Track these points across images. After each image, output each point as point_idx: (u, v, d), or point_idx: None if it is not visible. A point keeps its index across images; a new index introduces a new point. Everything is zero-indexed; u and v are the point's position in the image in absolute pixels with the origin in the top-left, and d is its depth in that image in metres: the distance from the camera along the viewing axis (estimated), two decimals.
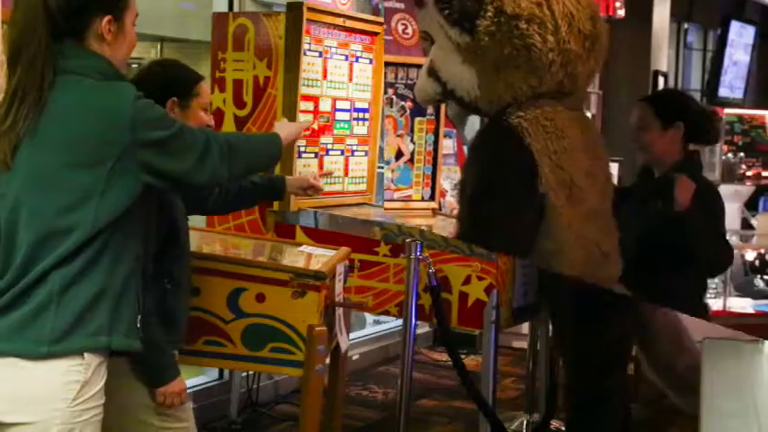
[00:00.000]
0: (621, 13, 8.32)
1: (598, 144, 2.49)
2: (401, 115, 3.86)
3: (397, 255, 3.55)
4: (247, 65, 3.82)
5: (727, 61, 10.94)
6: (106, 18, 1.85)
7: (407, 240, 3.34)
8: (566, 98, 2.35)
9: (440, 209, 4.06)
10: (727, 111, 8.92)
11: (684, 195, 2.79)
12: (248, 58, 3.82)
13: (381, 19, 4.26)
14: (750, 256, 5.91)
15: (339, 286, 2.97)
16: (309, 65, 3.91)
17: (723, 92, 11.04)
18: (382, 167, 4.06)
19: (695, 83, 12.26)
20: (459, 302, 3.47)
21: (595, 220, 2.37)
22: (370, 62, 4.20)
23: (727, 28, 10.78)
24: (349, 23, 4.05)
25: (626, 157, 5.13)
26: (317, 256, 3.00)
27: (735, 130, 8.80)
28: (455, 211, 3.81)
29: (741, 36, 11.21)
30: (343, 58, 4.10)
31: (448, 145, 4.40)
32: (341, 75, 4.09)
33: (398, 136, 3.85)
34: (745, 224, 6.32)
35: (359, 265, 3.44)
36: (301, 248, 3.14)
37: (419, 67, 3.21)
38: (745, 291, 5.60)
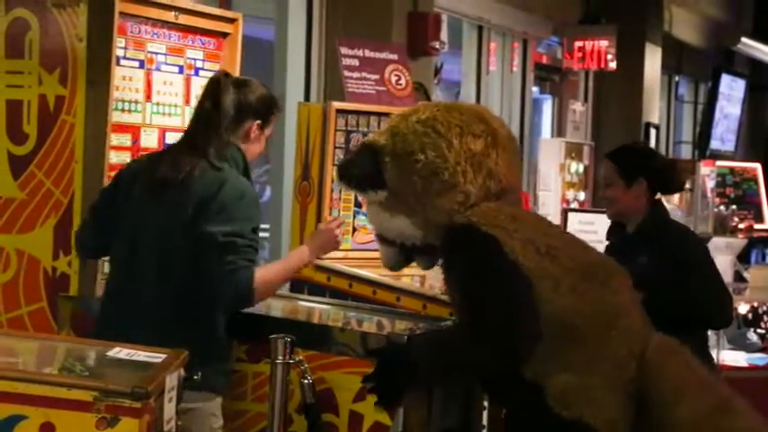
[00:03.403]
0: (613, 65, 11.39)
1: (549, 222, 3.32)
2: None
3: (257, 359, 3.57)
4: (29, 79, 3.81)
5: (718, 114, 14.61)
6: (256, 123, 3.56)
7: (272, 337, 3.35)
8: (500, 197, 3.15)
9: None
10: (718, 163, 11.45)
11: None
12: (31, 70, 3.80)
13: (233, 14, 4.35)
14: (743, 309, 7.53)
15: (170, 408, 2.88)
16: (125, 79, 3.93)
17: (714, 144, 14.61)
18: None
19: (687, 135, 16.32)
20: (349, 428, 3.48)
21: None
22: None
23: (717, 81, 14.50)
24: (184, 20, 4.08)
25: None
26: (137, 364, 2.92)
27: (726, 182, 11.32)
28: None
29: (732, 89, 15.07)
30: (177, 69, 4.13)
31: None
32: (173, 94, 4.12)
33: None
34: (738, 277, 7.74)
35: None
36: (114, 352, 3.05)
37: None
38: (739, 344, 7.17)
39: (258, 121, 3.57)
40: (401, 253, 3.28)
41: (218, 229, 3.35)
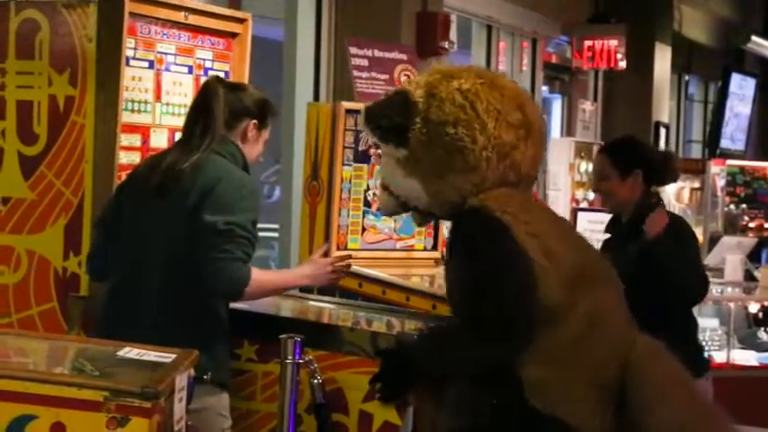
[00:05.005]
0: (623, 64, 11.46)
1: (554, 214, 3.27)
2: None
3: (267, 359, 3.56)
4: (40, 80, 3.81)
5: (728, 113, 14.59)
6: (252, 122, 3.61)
7: (281, 337, 3.35)
8: (514, 187, 3.10)
9: (442, 258, 5.02)
10: (728, 162, 11.34)
11: (655, 226, 4.13)
12: (41, 70, 3.81)
13: (243, 14, 4.35)
14: (753, 308, 7.64)
15: (180, 408, 2.88)
16: (135, 80, 3.93)
17: (725, 143, 14.60)
18: None
19: (697, 134, 16.65)
20: (359, 427, 3.49)
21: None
22: (226, 76, 4.22)
23: (727, 80, 14.46)
24: (194, 20, 4.08)
25: None
26: (147, 364, 2.92)
27: (737, 181, 11.05)
28: None
29: (742, 88, 15.03)
30: (186, 70, 4.14)
31: None
32: (182, 95, 4.12)
33: None
34: (749, 276, 7.73)
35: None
36: (124, 352, 3.05)
37: None
38: (749, 343, 7.29)
39: (254, 121, 3.60)
40: (400, 206, 3.24)
41: (217, 217, 3.37)
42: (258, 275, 3.42)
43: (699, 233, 7.45)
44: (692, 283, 4.24)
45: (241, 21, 4.26)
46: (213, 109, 3.52)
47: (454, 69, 3.15)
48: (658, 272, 4.11)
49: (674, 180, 4.69)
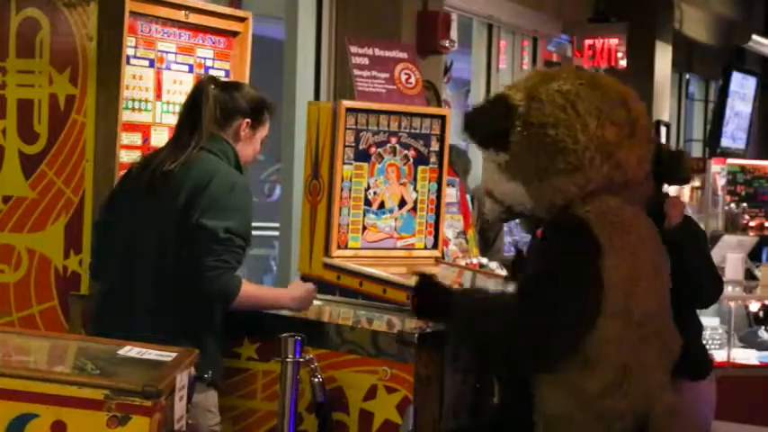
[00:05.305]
0: (623, 63, 11.31)
1: (658, 240, 3.20)
2: (404, 164, 5.04)
3: (267, 357, 3.57)
4: (40, 78, 3.81)
5: (728, 112, 14.57)
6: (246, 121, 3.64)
7: (282, 336, 3.35)
8: (623, 190, 3.04)
9: (443, 257, 5.23)
10: (729, 161, 11.40)
11: (675, 213, 3.92)
12: (41, 69, 3.81)
13: (243, 13, 4.36)
14: (754, 307, 7.66)
15: (181, 407, 2.89)
16: (136, 78, 3.94)
17: (725, 142, 14.55)
18: None
19: (697, 133, 16.42)
20: (359, 426, 3.49)
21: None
22: (226, 75, 4.24)
23: (728, 79, 14.45)
24: (194, 19, 4.09)
25: None
26: (147, 363, 2.92)
27: (737, 180, 11.13)
28: (458, 260, 5.57)
29: (742, 87, 15.01)
30: (187, 68, 4.14)
31: (451, 193, 5.88)
32: (183, 93, 4.09)
33: (402, 184, 5.03)
34: (749, 275, 7.73)
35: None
36: (125, 350, 3.05)
37: (422, 116, 5.06)
38: (750, 342, 7.27)
39: (247, 120, 3.64)
40: (506, 212, 3.29)
41: (217, 223, 3.40)
42: (249, 289, 3.49)
43: None
44: (708, 284, 4.16)
45: (242, 19, 4.26)
46: (202, 108, 3.55)
47: (553, 72, 3.15)
48: (675, 271, 4.09)
49: (687, 181, 4.58)
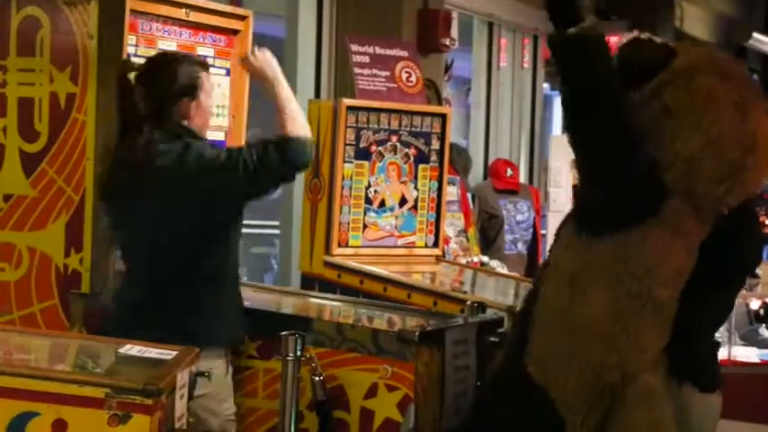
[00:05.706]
0: None
1: None
2: (405, 162, 5.12)
3: (268, 356, 3.57)
4: (41, 77, 3.81)
5: None
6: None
7: (283, 334, 3.35)
8: None
9: (443, 256, 5.32)
10: None
11: None
12: (42, 67, 3.80)
13: (244, 11, 4.36)
14: (755, 304, 7.62)
15: (181, 405, 2.89)
16: None
17: None
18: None
19: None
20: (360, 424, 3.49)
21: None
22: (227, 73, 4.24)
23: None
24: (195, 17, 4.08)
25: None
26: (148, 361, 2.92)
27: None
28: (458, 258, 5.87)
29: None
30: None
31: (451, 192, 6.04)
32: None
33: (402, 183, 5.11)
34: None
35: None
36: (126, 349, 3.05)
37: (423, 114, 5.18)
38: (751, 340, 7.21)
39: (186, 98, 3.57)
40: None
41: (212, 156, 3.47)
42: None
43: None
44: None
45: (242, 18, 4.25)
46: (129, 109, 3.60)
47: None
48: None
49: None
